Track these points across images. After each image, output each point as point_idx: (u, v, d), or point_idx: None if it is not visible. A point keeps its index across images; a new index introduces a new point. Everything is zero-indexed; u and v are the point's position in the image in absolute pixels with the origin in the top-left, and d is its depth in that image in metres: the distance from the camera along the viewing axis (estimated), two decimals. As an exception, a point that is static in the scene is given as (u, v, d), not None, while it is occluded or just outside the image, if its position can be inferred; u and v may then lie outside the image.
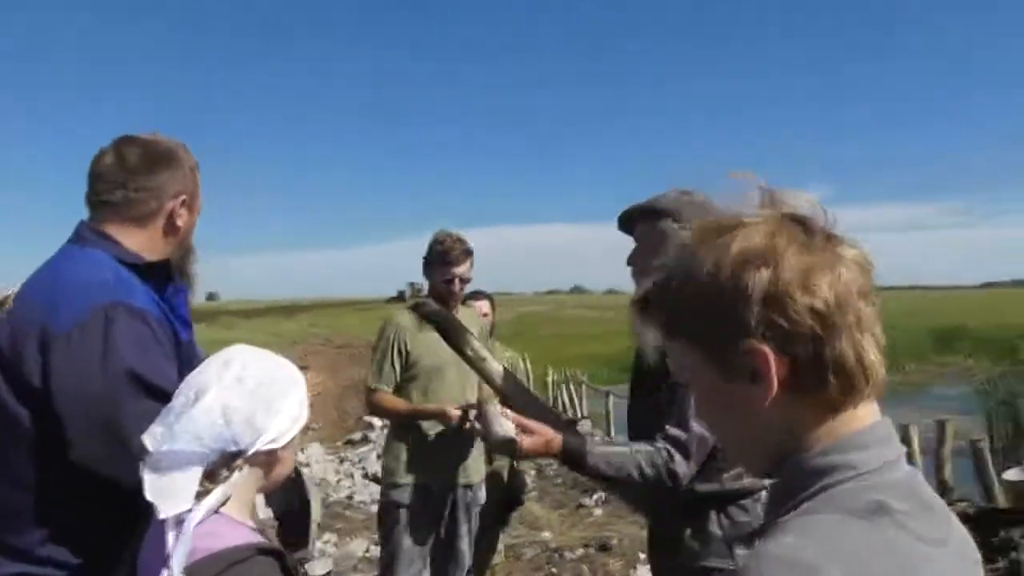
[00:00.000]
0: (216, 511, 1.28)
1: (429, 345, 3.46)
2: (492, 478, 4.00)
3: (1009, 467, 7.11)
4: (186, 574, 1.17)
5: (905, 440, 7.59)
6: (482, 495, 3.66)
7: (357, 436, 12.95)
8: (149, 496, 1.24)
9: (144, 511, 1.28)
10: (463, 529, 3.58)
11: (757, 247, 0.81)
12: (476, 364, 2.36)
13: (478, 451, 3.66)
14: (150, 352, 1.58)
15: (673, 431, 1.95)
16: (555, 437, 2.01)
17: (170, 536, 1.20)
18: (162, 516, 1.22)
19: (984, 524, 6.07)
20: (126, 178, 1.76)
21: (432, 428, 3.47)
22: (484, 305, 4.28)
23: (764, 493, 2.04)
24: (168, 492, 1.24)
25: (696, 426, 1.92)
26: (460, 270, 3.47)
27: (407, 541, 3.40)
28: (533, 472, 4.26)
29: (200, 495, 1.25)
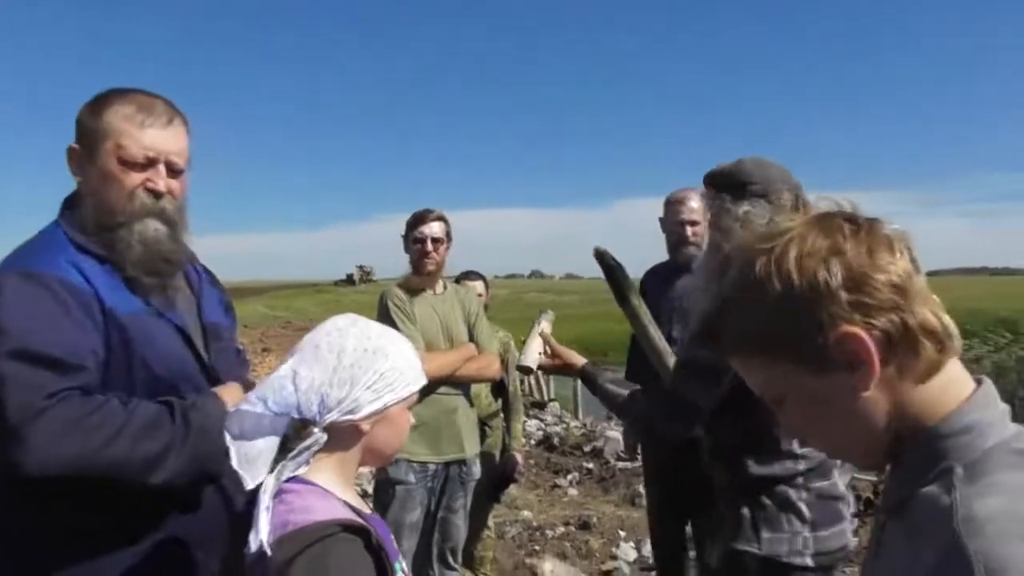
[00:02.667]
0: (309, 482, 1.27)
1: (424, 313, 3.53)
2: (485, 457, 4.00)
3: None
4: (275, 546, 1.16)
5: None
6: (477, 470, 3.66)
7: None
8: (235, 465, 1.23)
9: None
10: (458, 504, 3.58)
11: (818, 245, 0.86)
12: (636, 316, 2.48)
13: (472, 427, 3.66)
14: (41, 317, 1.51)
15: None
16: (578, 362, 2.37)
17: (259, 507, 1.19)
18: (248, 486, 1.22)
19: None
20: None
21: (427, 405, 3.46)
22: (479, 285, 4.27)
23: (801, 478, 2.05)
24: (248, 460, 1.23)
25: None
26: (428, 229, 3.54)
27: (403, 516, 3.38)
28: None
29: (279, 465, 1.25)
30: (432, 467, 3.48)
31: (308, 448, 1.26)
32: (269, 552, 1.14)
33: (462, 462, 3.57)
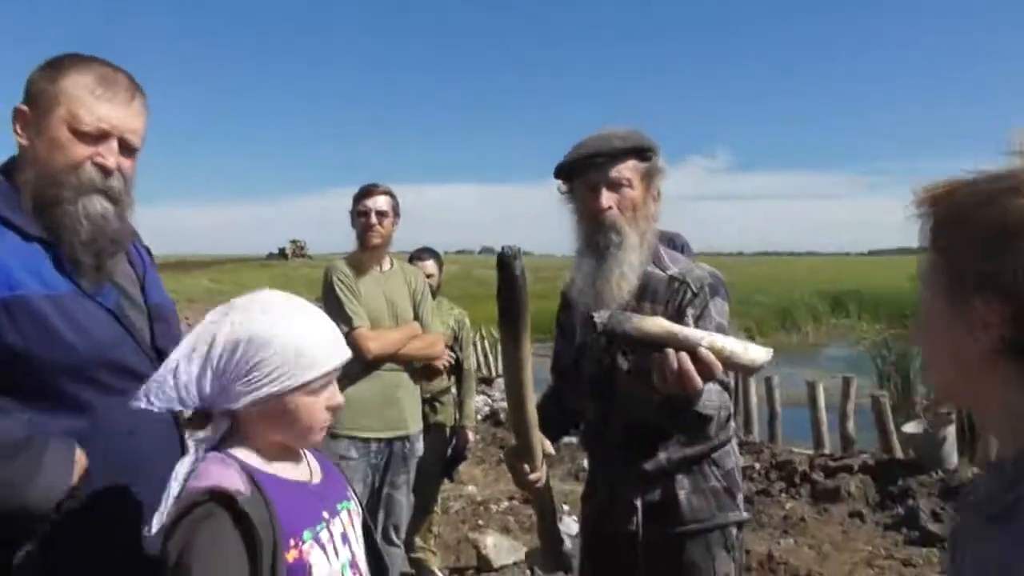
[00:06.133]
0: (221, 450, 1.31)
1: (370, 290, 3.53)
2: (435, 431, 4.01)
3: (900, 421, 7.54)
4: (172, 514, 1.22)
5: (812, 396, 7.96)
6: (420, 447, 3.67)
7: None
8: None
9: None
10: (401, 480, 3.59)
11: None
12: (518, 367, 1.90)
13: (415, 404, 3.67)
14: None
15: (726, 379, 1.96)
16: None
17: (168, 491, 1.27)
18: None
19: (883, 474, 6.45)
20: None
21: (370, 382, 3.45)
22: (429, 265, 4.26)
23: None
24: None
25: None
26: (373, 202, 3.54)
27: (345, 493, 3.38)
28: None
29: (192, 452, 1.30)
30: (375, 444, 3.48)
31: (210, 432, 1.30)
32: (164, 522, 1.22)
33: (405, 438, 3.57)
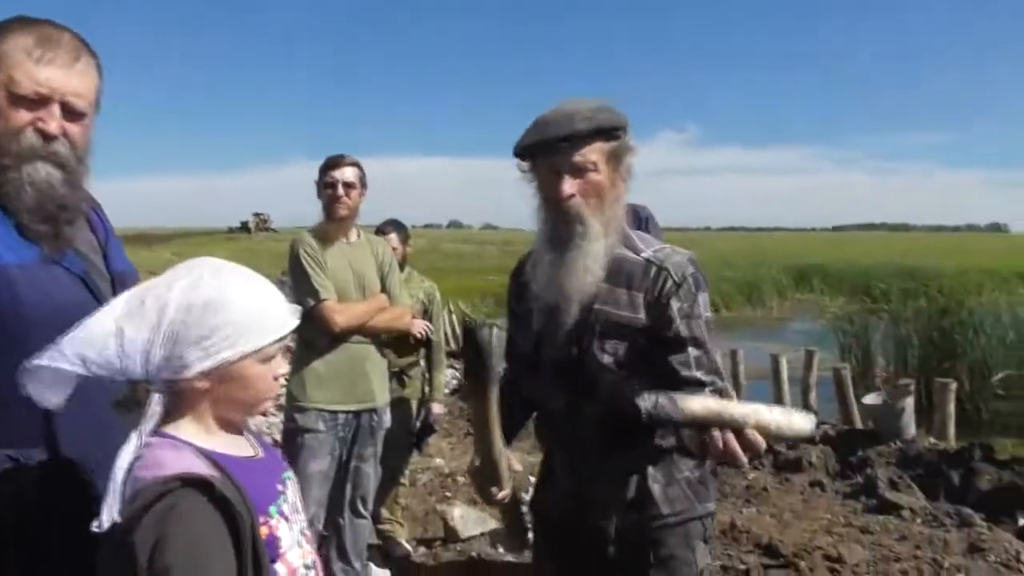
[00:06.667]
0: (165, 435, 1.24)
1: (337, 262, 3.50)
2: (403, 405, 4.01)
3: (861, 394, 7.71)
4: (125, 509, 1.14)
5: (775, 369, 8.09)
6: (387, 419, 3.67)
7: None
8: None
9: None
10: (368, 452, 3.59)
11: None
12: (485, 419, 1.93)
13: (383, 376, 3.66)
14: None
15: (719, 383, 1.87)
16: None
17: (113, 479, 1.18)
18: None
19: (844, 444, 6.59)
20: None
21: (338, 354, 3.44)
22: (393, 238, 4.23)
23: None
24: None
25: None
26: (340, 173, 3.49)
27: (311, 465, 3.37)
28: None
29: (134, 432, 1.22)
30: (342, 416, 3.47)
31: (151, 412, 1.22)
32: (117, 518, 1.13)
33: (373, 411, 3.56)
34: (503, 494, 1.91)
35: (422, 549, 4.50)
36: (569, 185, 1.83)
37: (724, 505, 5.14)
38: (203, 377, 1.23)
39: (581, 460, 1.98)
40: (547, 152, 1.85)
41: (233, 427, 1.34)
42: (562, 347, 1.92)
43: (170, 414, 1.25)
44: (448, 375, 10.57)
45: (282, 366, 1.34)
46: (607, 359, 1.86)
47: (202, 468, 1.19)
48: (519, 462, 1.99)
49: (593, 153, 1.83)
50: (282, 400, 3.40)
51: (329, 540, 3.62)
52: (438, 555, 4.41)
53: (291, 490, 1.39)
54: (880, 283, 21.80)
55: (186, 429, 1.26)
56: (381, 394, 3.62)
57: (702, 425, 1.64)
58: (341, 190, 3.48)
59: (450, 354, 13.73)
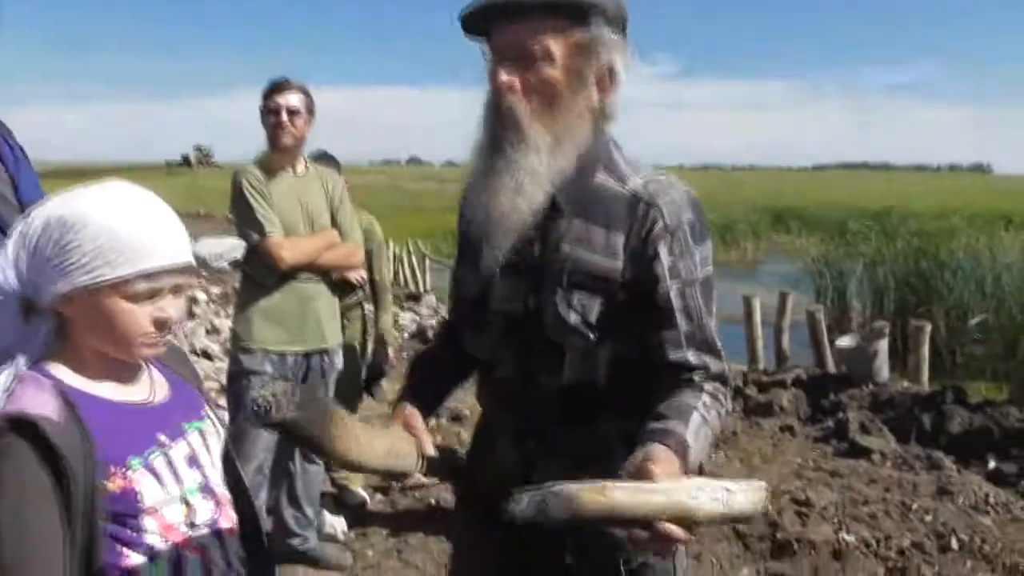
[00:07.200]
0: (40, 370, 1.16)
1: (283, 195, 3.28)
2: (346, 348, 3.83)
3: (836, 337, 7.64)
4: None
5: (748, 312, 7.99)
6: (339, 361, 3.50)
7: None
8: None
9: None
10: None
11: None
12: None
13: (334, 316, 3.48)
14: None
15: (714, 366, 1.46)
16: None
17: None
18: None
19: (815, 388, 6.53)
20: None
21: (285, 293, 3.25)
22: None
23: None
24: None
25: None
26: (284, 99, 3.23)
27: (258, 411, 3.21)
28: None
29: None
30: (291, 358, 3.29)
31: (35, 342, 1.16)
32: None
33: (323, 352, 3.39)
34: (418, 478, 1.62)
35: (379, 496, 4.37)
36: (506, 73, 1.39)
37: (693, 449, 5.06)
38: (67, 302, 1.14)
39: (531, 436, 1.54)
40: (492, 24, 1.43)
41: (126, 367, 1.23)
42: (514, 296, 1.49)
43: (57, 343, 1.19)
44: (407, 318, 10.44)
45: (165, 310, 1.19)
46: (573, 318, 1.43)
47: (48, 408, 1.09)
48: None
49: (548, 38, 1.38)
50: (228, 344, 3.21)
51: (279, 487, 3.49)
52: (395, 502, 4.29)
53: (196, 442, 1.28)
54: (858, 224, 21.78)
55: (60, 364, 1.18)
56: (333, 335, 3.44)
57: (602, 522, 1.16)
58: (285, 116, 3.22)
59: (410, 296, 13.63)
